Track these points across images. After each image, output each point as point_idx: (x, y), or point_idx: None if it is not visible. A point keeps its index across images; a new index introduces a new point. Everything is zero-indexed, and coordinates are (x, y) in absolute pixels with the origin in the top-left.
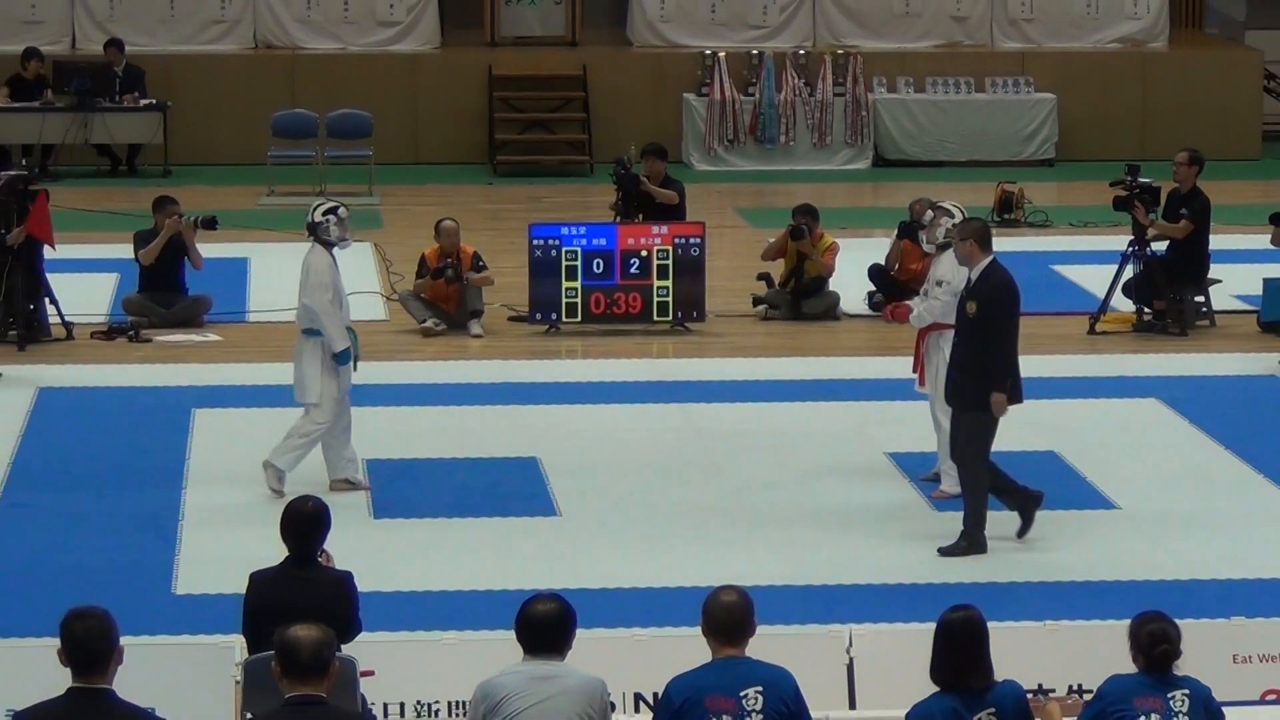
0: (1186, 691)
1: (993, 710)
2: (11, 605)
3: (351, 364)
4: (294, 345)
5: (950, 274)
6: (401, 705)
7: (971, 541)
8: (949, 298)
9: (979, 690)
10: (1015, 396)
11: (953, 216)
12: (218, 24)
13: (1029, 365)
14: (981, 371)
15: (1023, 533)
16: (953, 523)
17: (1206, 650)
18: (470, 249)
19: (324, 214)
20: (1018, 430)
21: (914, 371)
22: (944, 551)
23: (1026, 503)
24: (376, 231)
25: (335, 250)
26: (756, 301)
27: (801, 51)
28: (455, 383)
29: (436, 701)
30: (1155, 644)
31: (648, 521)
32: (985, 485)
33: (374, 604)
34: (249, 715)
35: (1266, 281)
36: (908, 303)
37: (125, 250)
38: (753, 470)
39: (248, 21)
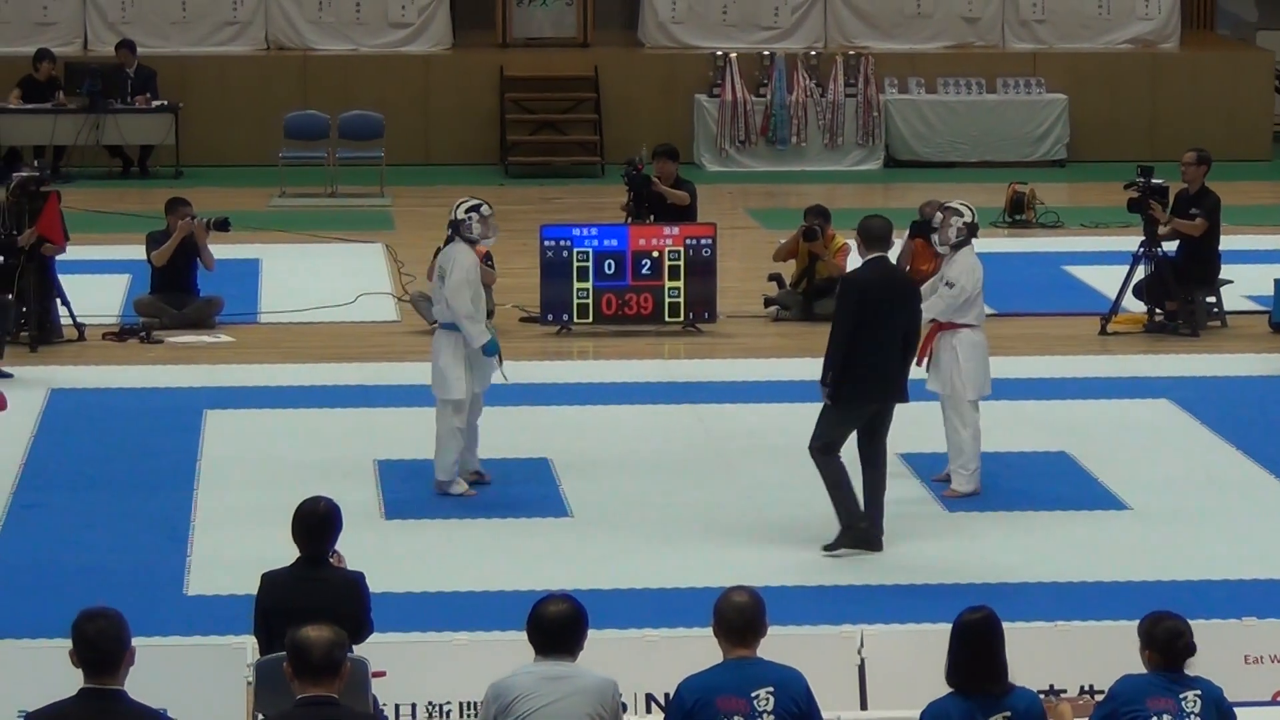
0: (1199, 692)
1: (1008, 715)
2: (23, 606)
3: (498, 358)
4: (432, 340)
5: (961, 275)
6: (413, 706)
7: (850, 537)
8: (951, 298)
9: (996, 695)
10: (871, 394)
11: (963, 215)
12: (229, 25)
13: (1040, 366)
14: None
15: (830, 547)
16: (965, 523)
17: (1218, 651)
18: (483, 249)
19: (467, 211)
20: (1029, 431)
21: (918, 364)
22: (827, 548)
23: (853, 530)
24: (388, 233)
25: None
26: (768, 302)
27: (813, 52)
28: None
29: (448, 702)
30: (1174, 639)
31: (659, 522)
32: (837, 477)
33: (386, 605)
34: (260, 716)
35: (1278, 282)
36: None
37: (137, 251)
38: (764, 471)
39: (259, 23)
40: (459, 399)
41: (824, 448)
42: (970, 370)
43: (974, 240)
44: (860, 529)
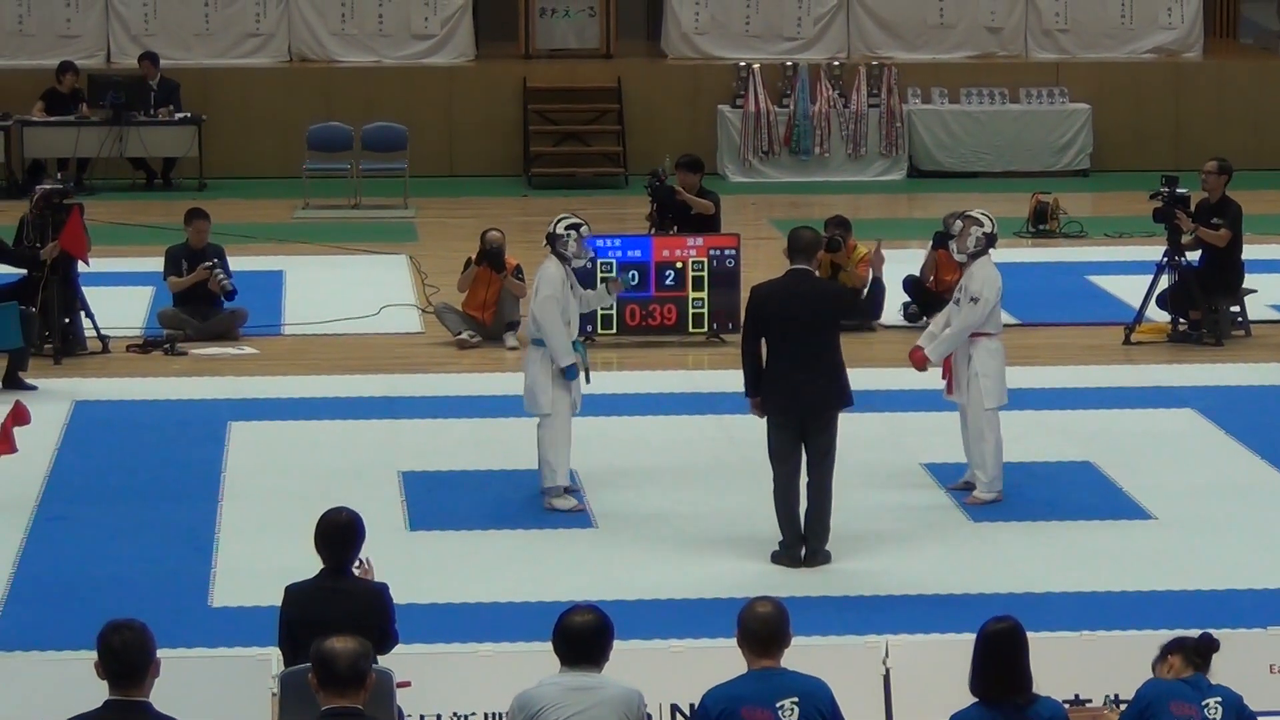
0: (1220, 699)
1: None
2: (49, 618)
3: (581, 377)
4: (524, 355)
5: (983, 288)
6: (438, 717)
7: (779, 554)
8: (979, 314)
9: (1020, 705)
10: (780, 406)
11: (982, 225)
12: (253, 37)
13: (1064, 376)
14: None
15: (774, 557)
16: (990, 533)
17: (1243, 660)
18: (514, 261)
19: (566, 228)
20: (1054, 440)
21: (943, 379)
22: (774, 558)
23: (792, 551)
24: (412, 244)
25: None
26: None
27: (836, 63)
28: (491, 394)
29: (473, 713)
30: (1200, 642)
31: (684, 533)
32: (780, 491)
33: (411, 616)
34: None
35: None
36: (921, 349)
37: (161, 264)
38: None
39: (282, 35)
40: (548, 413)
41: (771, 456)
42: (989, 379)
43: (992, 250)
44: (788, 552)
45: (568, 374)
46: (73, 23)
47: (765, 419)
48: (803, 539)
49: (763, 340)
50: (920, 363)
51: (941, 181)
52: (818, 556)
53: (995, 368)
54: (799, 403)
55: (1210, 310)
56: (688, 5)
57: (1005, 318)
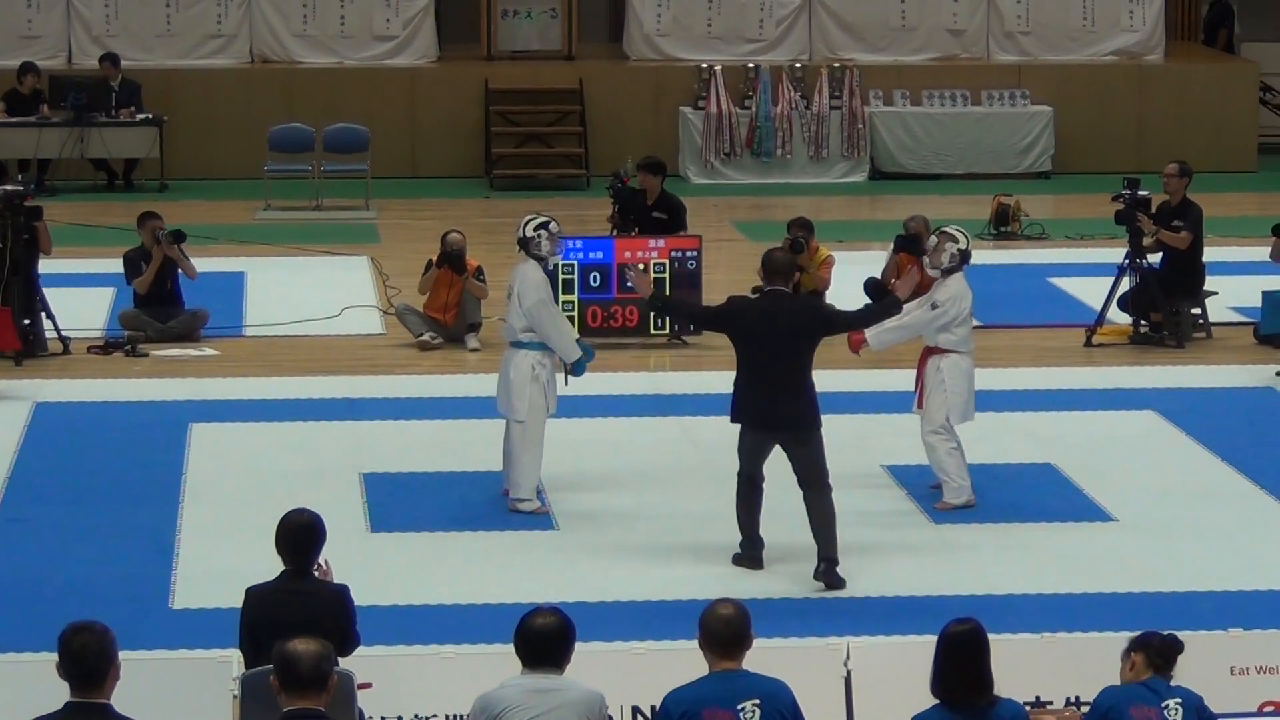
0: (1180, 700)
1: None
2: (9, 620)
3: (560, 377)
4: (502, 357)
5: (947, 300)
6: (400, 718)
7: (740, 555)
8: (929, 319)
9: (981, 707)
10: (751, 423)
11: (958, 242)
12: (214, 39)
13: (1025, 378)
14: None
15: (735, 559)
16: (951, 535)
17: (1205, 662)
18: (475, 262)
19: (536, 229)
20: (1015, 442)
21: (915, 392)
22: (735, 560)
23: (752, 553)
24: (373, 246)
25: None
26: None
27: (798, 65)
28: (452, 396)
29: (434, 715)
30: (1165, 644)
31: (645, 535)
32: (741, 493)
33: (372, 618)
34: None
35: (1266, 294)
36: (862, 334)
37: (121, 265)
38: None
39: (244, 36)
40: (522, 420)
41: (740, 467)
42: (955, 395)
43: (966, 267)
44: (748, 553)
45: (576, 369)
46: (34, 24)
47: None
48: (762, 542)
49: (730, 343)
50: (856, 345)
51: (903, 183)
52: (829, 572)
53: (961, 386)
54: (770, 420)
55: (1171, 312)
56: (649, 7)
57: None
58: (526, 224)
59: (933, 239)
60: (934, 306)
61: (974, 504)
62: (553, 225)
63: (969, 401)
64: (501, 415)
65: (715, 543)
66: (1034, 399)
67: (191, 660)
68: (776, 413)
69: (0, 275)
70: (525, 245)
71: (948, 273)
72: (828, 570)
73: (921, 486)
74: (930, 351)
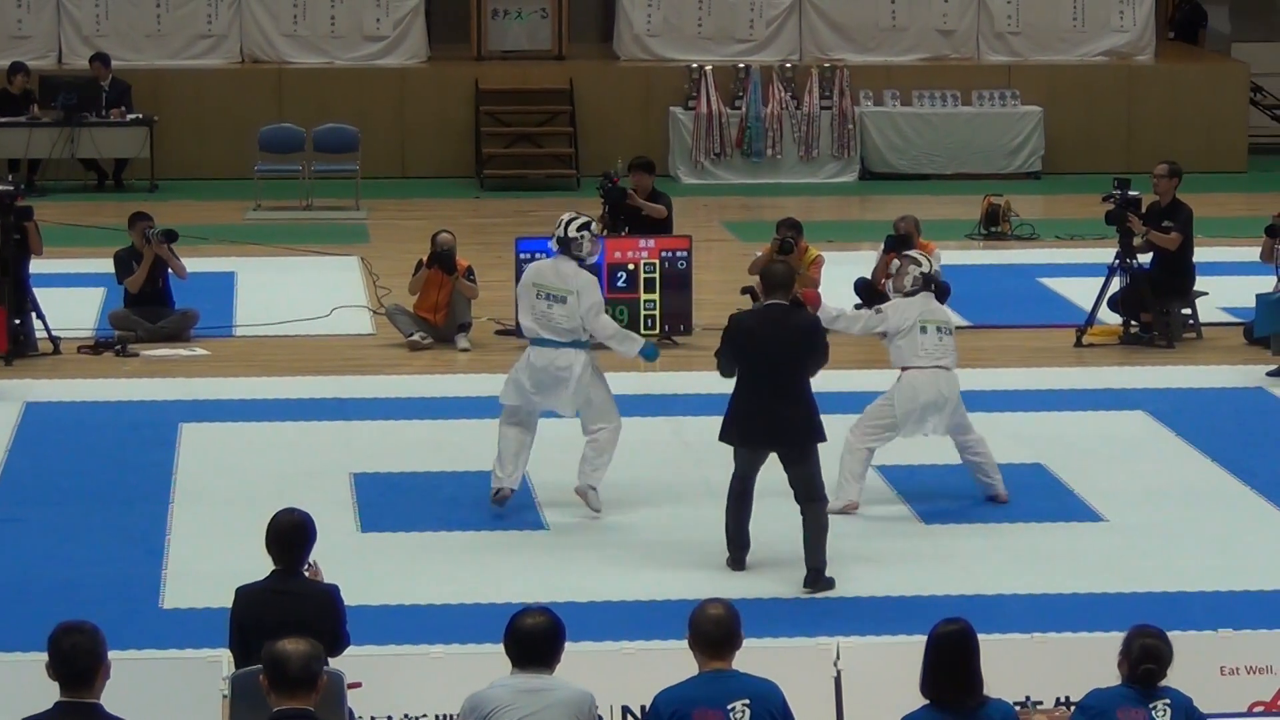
0: (1168, 701)
1: None
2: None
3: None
4: (566, 362)
5: (891, 306)
6: (389, 718)
7: (731, 555)
8: (868, 317)
9: (971, 707)
10: (750, 437)
11: (920, 266)
12: (204, 39)
13: (1015, 378)
14: None
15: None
16: (941, 535)
17: (1194, 662)
18: (465, 262)
19: (579, 229)
20: (1005, 443)
21: None
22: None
23: (735, 557)
24: (363, 246)
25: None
26: None
27: (788, 65)
28: (443, 396)
29: (424, 715)
30: (1144, 659)
31: (636, 534)
32: (729, 511)
33: (362, 617)
34: None
35: (1260, 297)
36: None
37: (111, 265)
38: None
39: (234, 36)
40: (505, 404)
41: (733, 476)
42: (898, 406)
43: (931, 290)
44: (733, 556)
45: (650, 353)
46: (24, 23)
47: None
48: (748, 545)
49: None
50: (813, 300)
51: (893, 184)
52: (818, 582)
53: (896, 399)
54: (772, 435)
55: (1162, 313)
56: (640, 7)
57: (956, 319)
58: (568, 224)
59: (895, 263)
60: (877, 311)
61: (852, 510)
62: (594, 225)
63: (909, 415)
64: (590, 427)
65: (705, 543)
66: (1024, 399)
67: (181, 660)
68: (776, 425)
69: None
70: (566, 246)
71: (910, 295)
72: (816, 577)
73: (912, 487)
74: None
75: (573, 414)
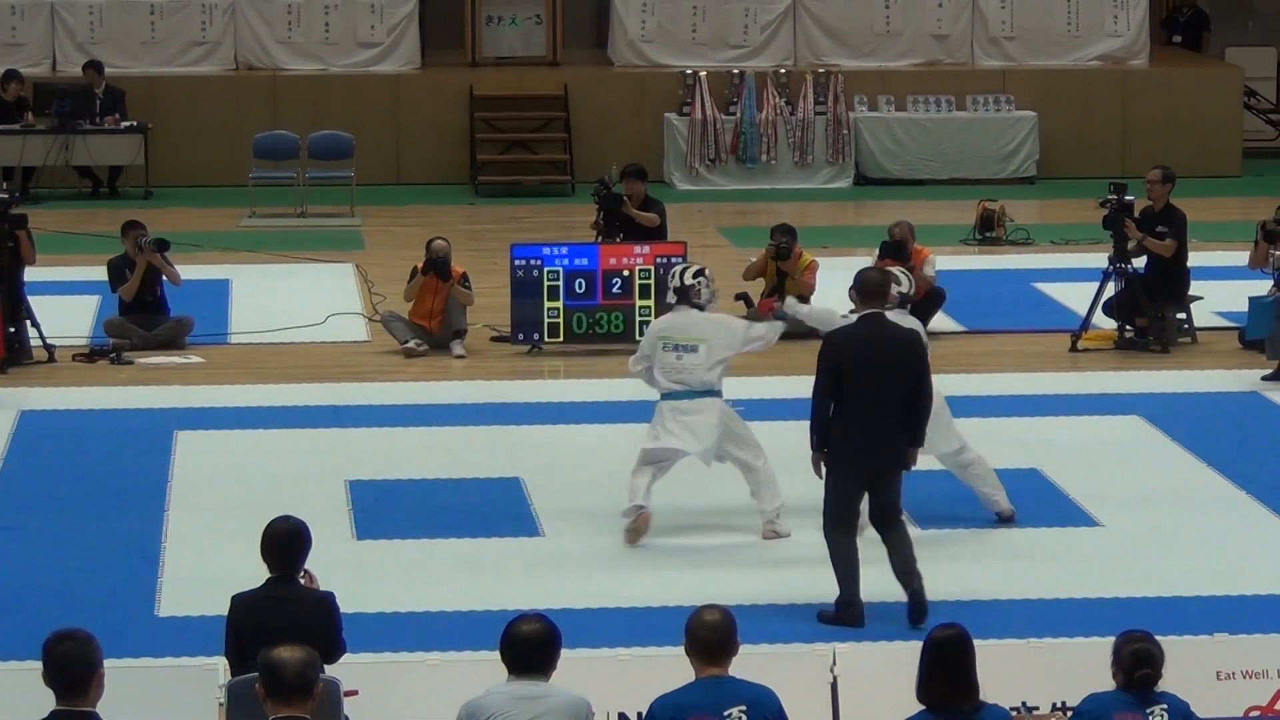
0: (1165, 707)
1: None
2: None
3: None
4: (702, 411)
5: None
6: None
7: (838, 614)
8: (823, 315)
9: (967, 713)
10: (858, 460)
11: (899, 284)
12: (198, 46)
13: (1010, 383)
14: None
15: (820, 616)
16: (937, 540)
17: (1190, 667)
18: (460, 269)
19: (694, 276)
20: (1000, 448)
21: None
22: (820, 617)
23: (843, 609)
24: (358, 253)
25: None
26: None
27: (782, 70)
28: (438, 403)
29: None
30: (1137, 665)
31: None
32: (841, 559)
33: (358, 625)
34: None
35: (1252, 300)
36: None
37: (106, 273)
38: (735, 489)
39: (229, 43)
40: (647, 448)
41: (834, 523)
42: None
43: (907, 309)
44: (850, 612)
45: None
46: (18, 31)
47: (827, 475)
48: (859, 596)
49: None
50: (767, 309)
51: (888, 189)
52: (925, 606)
53: None
54: (878, 455)
55: (1157, 317)
56: (634, 13)
57: (950, 324)
58: (682, 273)
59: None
60: (844, 316)
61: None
62: (708, 270)
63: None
64: (715, 460)
65: (701, 548)
66: (1019, 404)
67: (177, 668)
68: (882, 444)
69: None
70: (685, 294)
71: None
72: (921, 600)
73: (907, 493)
74: None
75: (710, 463)
